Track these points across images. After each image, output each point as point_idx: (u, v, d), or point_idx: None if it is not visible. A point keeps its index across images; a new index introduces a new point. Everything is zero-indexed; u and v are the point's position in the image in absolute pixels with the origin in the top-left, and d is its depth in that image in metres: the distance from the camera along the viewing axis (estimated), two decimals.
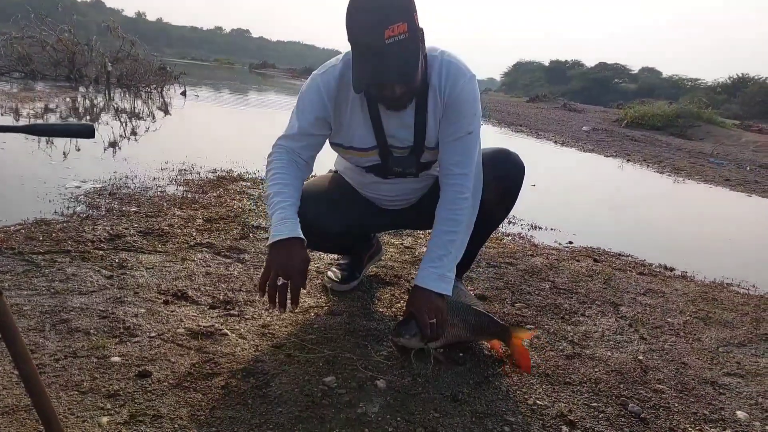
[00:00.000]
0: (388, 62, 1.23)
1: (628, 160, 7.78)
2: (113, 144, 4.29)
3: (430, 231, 1.52)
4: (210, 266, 1.93)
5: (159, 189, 2.96)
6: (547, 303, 1.97)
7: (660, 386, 1.48)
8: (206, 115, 7.80)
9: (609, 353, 1.65)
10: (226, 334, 1.45)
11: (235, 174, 3.56)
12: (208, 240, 2.17)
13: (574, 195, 4.89)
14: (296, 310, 1.65)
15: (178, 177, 3.32)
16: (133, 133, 5.05)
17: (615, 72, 48.64)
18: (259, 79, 23.96)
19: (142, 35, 10.64)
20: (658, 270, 2.68)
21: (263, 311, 1.63)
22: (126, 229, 2.20)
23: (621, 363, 1.58)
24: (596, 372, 1.51)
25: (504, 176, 1.59)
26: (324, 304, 1.73)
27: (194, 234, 2.23)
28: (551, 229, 3.21)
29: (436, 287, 1.41)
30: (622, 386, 1.46)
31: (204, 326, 1.48)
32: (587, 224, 3.61)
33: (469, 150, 1.44)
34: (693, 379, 1.55)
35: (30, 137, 3.94)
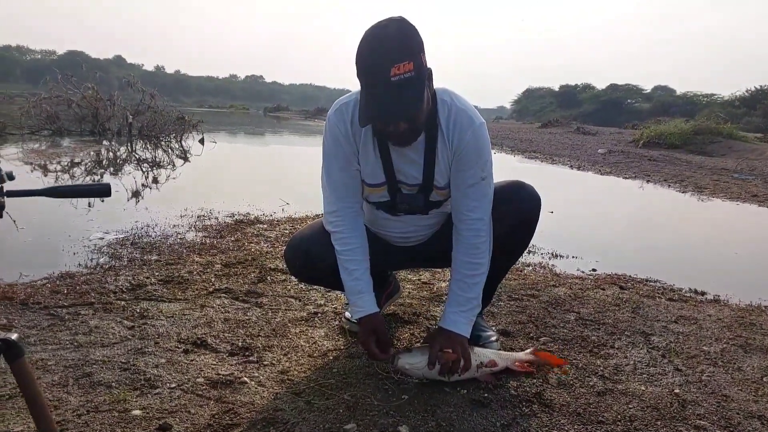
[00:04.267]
0: (392, 99, 1.26)
1: (648, 181, 7.67)
2: (135, 194, 4.41)
3: (445, 269, 1.53)
4: (228, 312, 1.93)
5: (178, 236, 3.01)
6: (573, 336, 1.91)
7: (701, 422, 1.40)
8: (223, 160, 8.01)
9: (643, 387, 1.57)
10: (245, 382, 1.43)
11: (252, 217, 3.61)
12: (226, 285, 2.18)
13: (595, 220, 4.81)
14: (315, 354, 1.63)
15: (197, 223, 3.38)
16: (154, 182, 5.19)
17: (627, 92, 48.52)
18: (274, 122, 24.61)
19: (161, 87, 11.11)
20: (688, 295, 2.59)
21: (282, 356, 1.61)
22: (147, 278, 2.23)
23: (656, 398, 1.51)
24: (630, 409, 1.44)
25: (519, 210, 1.59)
26: (342, 347, 1.70)
27: (213, 280, 2.25)
28: (573, 257, 3.15)
29: (465, 331, 1.47)
30: (659, 423, 1.38)
31: (223, 375, 1.46)
32: (610, 250, 3.53)
33: (484, 195, 1.48)
34: (737, 413, 1.46)
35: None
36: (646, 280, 2.78)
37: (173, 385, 1.40)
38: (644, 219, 5.07)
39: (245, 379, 1.44)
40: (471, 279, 1.49)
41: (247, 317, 1.89)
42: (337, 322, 1.88)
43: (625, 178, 8.01)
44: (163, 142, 9.41)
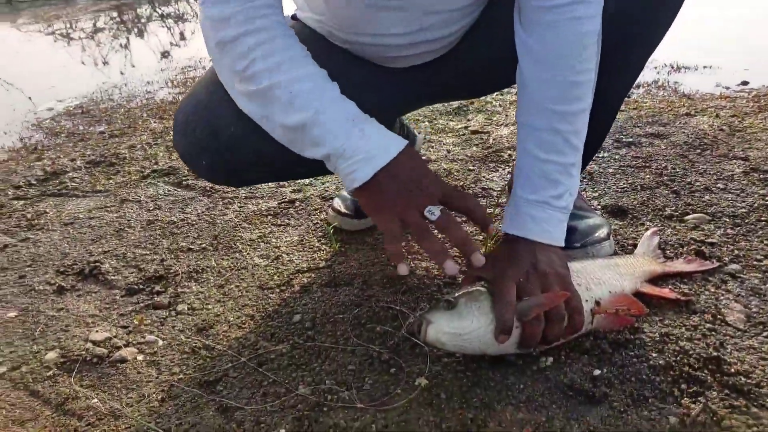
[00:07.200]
0: None
1: None
2: (122, 48, 3.61)
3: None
4: (159, 208, 1.24)
5: (146, 96, 2.28)
6: (755, 206, 1.04)
7: None
8: None
9: None
10: (125, 360, 0.77)
11: None
12: (173, 162, 1.47)
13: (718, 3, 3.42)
14: (271, 284, 0.93)
15: (178, 76, 2.61)
16: (156, 33, 4.32)
17: None
18: None
19: None
20: None
21: (213, 291, 0.92)
22: (72, 161, 1.57)
23: None
24: None
25: None
26: (322, 261, 0.98)
27: (159, 155, 1.54)
28: (705, 68, 2.07)
29: (559, 238, 0.69)
30: None
31: (96, 342, 0.81)
32: (760, 47, 2.37)
33: None
34: None
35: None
36: None
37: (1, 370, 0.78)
38: None
39: (125, 354, 0.78)
40: (564, 123, 0.66)
41: (184, 215, 1.19)
42: (324, 215, 1.14)
43: None
44: None
